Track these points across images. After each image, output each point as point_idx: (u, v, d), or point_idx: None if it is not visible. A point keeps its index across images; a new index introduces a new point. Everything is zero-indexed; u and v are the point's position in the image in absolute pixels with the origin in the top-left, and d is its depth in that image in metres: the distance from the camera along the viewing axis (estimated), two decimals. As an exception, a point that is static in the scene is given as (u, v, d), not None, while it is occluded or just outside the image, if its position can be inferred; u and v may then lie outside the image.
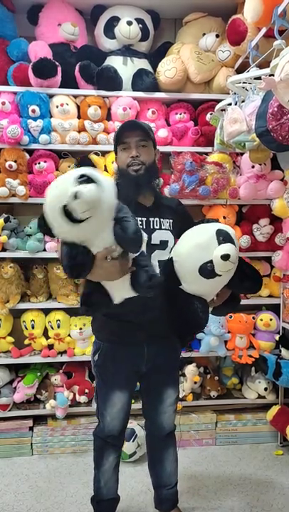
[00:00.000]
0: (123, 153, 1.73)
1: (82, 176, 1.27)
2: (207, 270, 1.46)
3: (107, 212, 1.36)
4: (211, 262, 1.45)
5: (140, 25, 2.64)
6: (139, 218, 1.71)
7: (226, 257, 1.43)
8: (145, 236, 1.65)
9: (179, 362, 1.94)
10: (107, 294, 1.52)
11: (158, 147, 1.85)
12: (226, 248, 1.45)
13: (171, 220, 1.77)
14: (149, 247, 1.70)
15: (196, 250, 1.50)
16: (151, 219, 1.73)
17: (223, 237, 1.48)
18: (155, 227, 1.73)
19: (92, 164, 1.34)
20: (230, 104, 2.21)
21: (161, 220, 1.75)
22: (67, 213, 1.27)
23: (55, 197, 1.30)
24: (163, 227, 1.74)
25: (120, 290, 1.51)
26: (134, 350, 1.76)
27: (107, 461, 1.91)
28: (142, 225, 1.71)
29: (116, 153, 1.80)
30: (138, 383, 1.93)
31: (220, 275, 1.48)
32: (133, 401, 2.28)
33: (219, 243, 1.46)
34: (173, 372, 1.92)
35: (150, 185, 1.75)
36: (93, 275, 1.44)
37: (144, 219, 1.72)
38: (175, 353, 1.89)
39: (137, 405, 2.12)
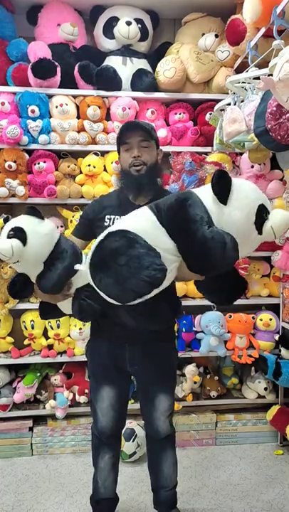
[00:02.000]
0: (125, 154, 1.74)
1: (12, 230, 1.43)
2: None
3: (32, 260, 1.48)
4: None
5: (139, 26, 2.64)
6: None
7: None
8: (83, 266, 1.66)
9: (171, 366, 1.89)
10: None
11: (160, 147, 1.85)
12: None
13: None
14: None
15: None
16: None
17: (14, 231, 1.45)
18: None
19: (39, 215, 1.52)
20: (229, 104, 2.21)
21: None
22: None
23: None
24: None
25: (63, 307, 1.68)
26: (115, 348, 1.77)
27: (103, 460, 1.91)
28: None
29: (119, 154, 1.81)
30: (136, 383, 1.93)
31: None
32: (132, 401, 2.28)
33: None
34: (165, 377, 1.86)
35: (152, 184, 1.74)
36: (37, 297, 1.68)
37: None
38: (166, 357, 1.84)
39: (136, 405, 2.12)
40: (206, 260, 1.26)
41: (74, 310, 1.59)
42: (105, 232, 1.37)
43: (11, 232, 1.42)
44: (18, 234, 1.41)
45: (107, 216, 1.75)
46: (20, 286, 1.58)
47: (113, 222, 1.72)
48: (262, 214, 1.31)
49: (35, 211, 1.51)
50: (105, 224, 1.74)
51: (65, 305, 1.66)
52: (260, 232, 1.32)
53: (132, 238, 1.28)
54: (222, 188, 1.27)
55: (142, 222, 1.34)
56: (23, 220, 1.48)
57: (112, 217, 1.74)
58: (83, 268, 1.51)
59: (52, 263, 1.48)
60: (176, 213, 1.29)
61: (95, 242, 1.40)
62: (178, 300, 1.87)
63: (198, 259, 1.28)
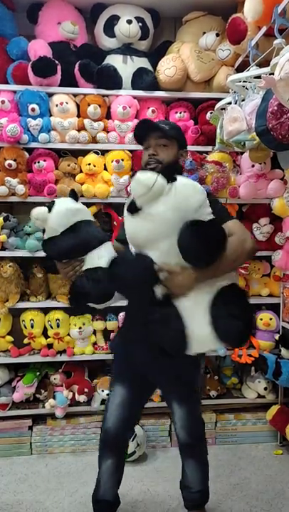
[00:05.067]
0: (144, 152, 1.75)
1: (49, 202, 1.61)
2: (131, 206, 1.48)
3: (52, 226, 1.65)
4: None
5: (140, 24, 2.64)
6: None
7: (132, 174, 1.49)
8: None
9: (185, 377, 1.79)
10: None
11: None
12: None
13: None
14: None
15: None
16: None
17: (165, 172, 1.46)
18: None
19: (74, 197, 1.76)
20: (230, 103, 2.21)
21: None
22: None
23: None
24: None
25: None
26: (130, 349, 1.77)
27: (105, 464, 1.86)
28: None
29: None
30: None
31: (139, 209, 1.46)
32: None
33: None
34: (178, 387, 1.81)
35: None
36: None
37: None
38: (179, 366, 1.72)
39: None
40: None
41: (71, 285, 1.69)
42: None
43: (47, 205, 1.68)
44: (49, 204, 1.68)
45: None
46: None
47: None
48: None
49: (73, 194, 1.75)
50: None
51: None
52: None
53: None
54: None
55: None
56: (61, 198, 1.75)
57: None
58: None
59: (62, 234, 1.66)
60: None
61: None
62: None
63: None
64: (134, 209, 1.44)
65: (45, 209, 1.66)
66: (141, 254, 1.49)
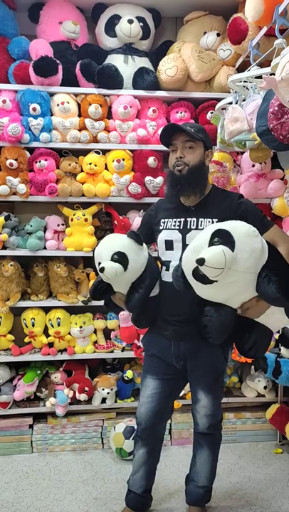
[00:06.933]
0: (171, 155, 1.78)
1: (116, 254, 1.47)
2: (199, 275, 1.39)
3: (126, 282, 1.64)
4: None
5: (141, 24, 2.64)
6: (178, 219, 1.78)
7: (199, 262, 1.34)
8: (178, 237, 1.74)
9: (215, 366, 1.87)
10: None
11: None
12: (205, 252, 1.35)
13: (215, 220, 1.70)
14: (185, 247, 1.70)
15: (190, 254, 1.44)
16: (188, 219, 1.76)
17: (219, 238, 1.39)
18: (191, 227, 1.74)
19: (140, 240, 1.69)
20: (231, 103, 2.21)
21: (201, 219, 1.74)
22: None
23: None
24: (200, 227, 1.73)
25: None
26: (162, 343, 1.84)
27: (138, 452, 1.95)
28: (179, 225, 1.76)
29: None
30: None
31: (214, 281, 1.38)
32: (132, 399, 2.27)
33: (209, 245, 1.39)
34: (207, 376, 1.87)
35: (195, 185, 1.74)
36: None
37: (182, 219, 1.77)
38: (211, 356, 1.83)
39: (136, 403, 2.12)
40: None
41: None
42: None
43: (116, 257, 1.55)
44: (122, 260, 1.56)
45: (162, 220, 1.83)
46: (101, 293, 1.73)
47: (166, 226, 1.80)
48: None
49: (137, 236, 1.64)
50: (160, 227, 1.82)
51: None
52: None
53: None
54: None
55: None
56: (127, 246, 1.61)
57: (166, 220, 1.81)
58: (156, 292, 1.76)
59: (139, 285, 1.65)
60: None
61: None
62: None
63: None
64: (208, 281, 1.39)
65: (120, 268, 1.55)
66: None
